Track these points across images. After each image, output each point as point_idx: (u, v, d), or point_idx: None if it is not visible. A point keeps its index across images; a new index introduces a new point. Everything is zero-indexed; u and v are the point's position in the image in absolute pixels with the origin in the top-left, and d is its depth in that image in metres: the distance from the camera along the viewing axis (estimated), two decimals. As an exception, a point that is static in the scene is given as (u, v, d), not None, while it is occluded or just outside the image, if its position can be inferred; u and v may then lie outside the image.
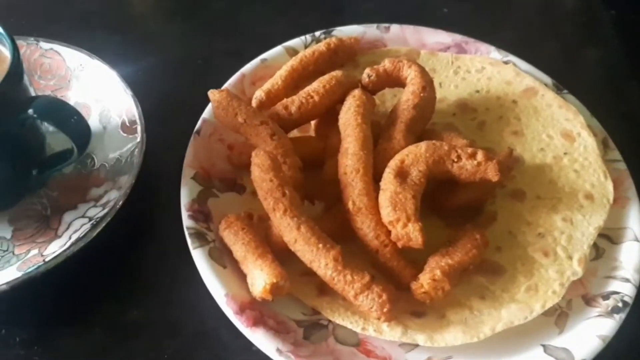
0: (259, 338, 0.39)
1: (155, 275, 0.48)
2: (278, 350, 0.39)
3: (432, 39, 0.59)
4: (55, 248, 0.44)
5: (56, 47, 0.56)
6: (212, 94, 0.46)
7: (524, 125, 0.52)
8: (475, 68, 0.56)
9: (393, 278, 0.42)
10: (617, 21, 0.70)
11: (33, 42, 0.56)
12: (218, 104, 0.46)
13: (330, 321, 0.41)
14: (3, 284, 0.41)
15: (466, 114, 0.53)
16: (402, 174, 0.42)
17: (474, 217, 0.46)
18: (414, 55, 0.57)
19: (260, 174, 0.41)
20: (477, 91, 0.54)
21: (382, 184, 0.42)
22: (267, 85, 0.52)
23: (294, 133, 0.50)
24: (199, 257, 0.42)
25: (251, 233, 0.42)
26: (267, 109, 0.51)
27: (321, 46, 0.54)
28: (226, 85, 0.53)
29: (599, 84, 0.64)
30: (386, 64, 0.50)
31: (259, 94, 0.52)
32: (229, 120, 0.46)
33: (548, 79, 0.55)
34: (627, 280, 0.43)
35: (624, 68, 0.66)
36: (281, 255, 0.42)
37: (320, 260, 0.39)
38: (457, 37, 0.59)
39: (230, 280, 0.42)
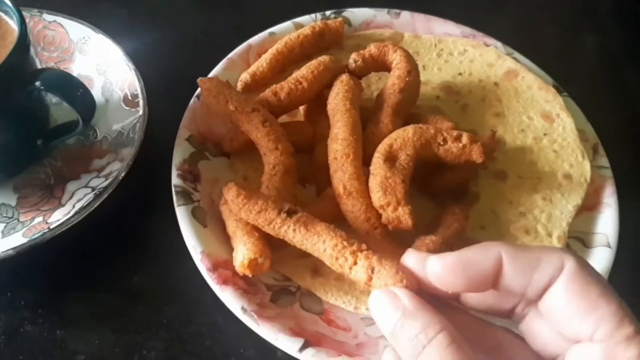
0: (227, 296, 0.40)
1: (156, 243, 0.49)
2: (243, 308, 0.40)
3: (441, 29, 0.59)
4: (60, 216, 0.45)
5: (60, 19, 0.56)
6: (202, 82, 0.46)
7: (505, 107, 0.53)
8: (457, 50, 0.57)
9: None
10: (614, 9, 0.71)
11: (36, 14, 0.57)
12: (208, 92, 0.46)
13: (298, 289, 0.43)
14: (9, 249, 0.42)
15: (450, 96, 0.54)
16: (391, 158, 0.44)
17: (460, 197, 0.48)
18: (398, 38, 0.58)
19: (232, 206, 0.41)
20: (460, 74, 0.56)
21: (372, 168, 0.43)
22: (253, 68, 0.53)
23: (283, 118, 0.50)
24: (182, 215, 0.44)
25: None
26: (253, 92, 0.51)
27: (307, 29, 0.55)
28: (232, 54, 0.54)
29: (596, 72, 0.65)
30: (372, 48, 0.51)
31: (244, 77, 0.52)
32: (220, 108, 0.46)
33: (550, 79, 0.55)
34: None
35: (620, 57, 0.67)
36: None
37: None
38: (466, 30, 0.59)
39: (209, 239, 0.43)
